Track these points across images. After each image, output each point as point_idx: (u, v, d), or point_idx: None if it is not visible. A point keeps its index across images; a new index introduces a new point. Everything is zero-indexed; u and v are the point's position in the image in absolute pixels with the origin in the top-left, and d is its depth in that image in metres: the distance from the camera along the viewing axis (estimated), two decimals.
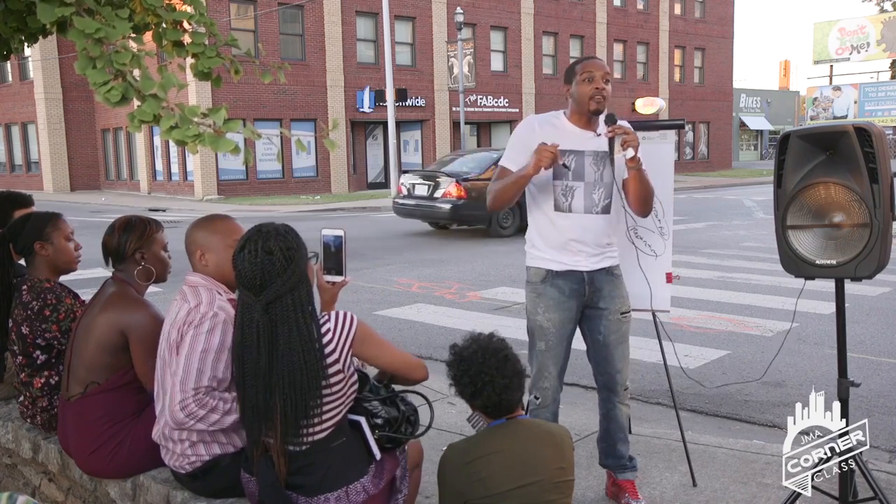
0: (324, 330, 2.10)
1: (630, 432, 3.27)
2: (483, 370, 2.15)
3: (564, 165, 2.77)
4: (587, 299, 2.89)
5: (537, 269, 2.92)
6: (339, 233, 2.37)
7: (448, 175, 13.21)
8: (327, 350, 2.08)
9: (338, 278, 2.38)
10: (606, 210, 2.86)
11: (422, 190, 13.27)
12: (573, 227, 2.84)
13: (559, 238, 2.86)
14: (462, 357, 2.20)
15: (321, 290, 2.38)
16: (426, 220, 13.99)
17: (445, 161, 15.32)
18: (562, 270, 2.86)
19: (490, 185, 2.92)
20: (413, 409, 2.40)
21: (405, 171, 15.46)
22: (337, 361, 2.09)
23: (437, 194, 12.96)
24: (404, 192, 13.87)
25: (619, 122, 2.73)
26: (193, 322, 2.27)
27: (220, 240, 2.42)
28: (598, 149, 2.84)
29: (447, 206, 12.74)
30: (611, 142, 2.71)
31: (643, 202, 2.85)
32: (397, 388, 2.43)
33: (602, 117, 2.88)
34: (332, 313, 2.15)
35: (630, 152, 2.66)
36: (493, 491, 2.09)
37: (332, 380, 2.08)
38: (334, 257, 2.38)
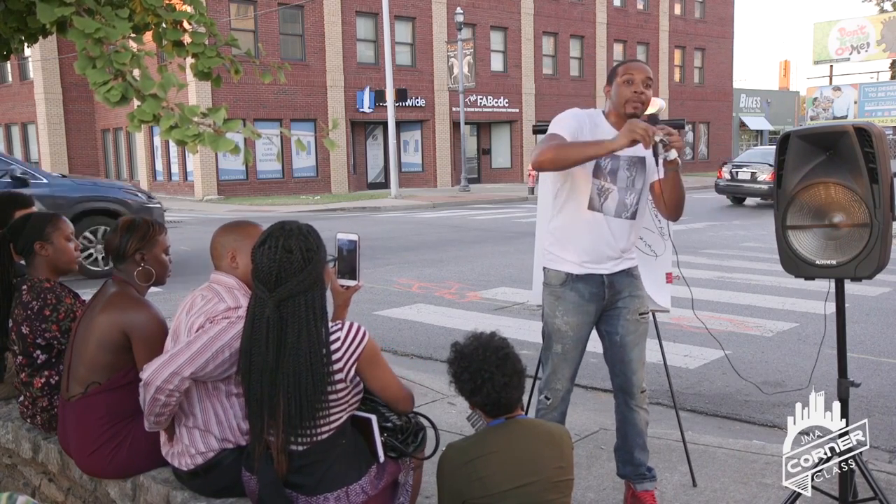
0: (333, 338, 2.09)
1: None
2: (483, 367, 2.15)
3: (662, 142, 2.54)
4: (607, 302, 2.86)
5: (556, 272, 2.85)
6: (354, 237, 2.38)
7: (762, 164, 19.10)
8: (333, 358, 2.08)
9: (351, 282, 2.39)
10: (634, 216, 2.83)
11: (745, 175, 19.28)
12: (603, 228, 2.78)
13: (588, 237, 2.79)
14: (463, 354, 2.20)
15: (335, 294, 2.40)
16: (747, 195, 19.86)
17: (743, 156, 21.34)
18: (582, 274, 2.81)
19: (546, 144, 2.66)
20: (422, 427, 2.40)
21: (725, 163, 20.73)
22: (340, 371, 2.09)
23: (760, 178, 18.90)
24: (727, 176, 19.75)
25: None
26: (231, 318, 2.28)
27: (251, 243, 2.44)
28: (633, 154, 2.77)
29: (766, 186, 18.58)
30: (655, 144, 2.63)
31: (676, 204, 2.78)
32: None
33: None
34: (346, 324, 2.14)
35: (673, 153, 2.59)
36: (491, 490, 2.09)
37: (336, 387, 2.08)
38: (348, 261, 2.39)
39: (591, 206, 2.78)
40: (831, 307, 2.71)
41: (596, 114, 2.84)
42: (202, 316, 2.32)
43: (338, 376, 2.08)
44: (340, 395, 2.10)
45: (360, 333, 2.13)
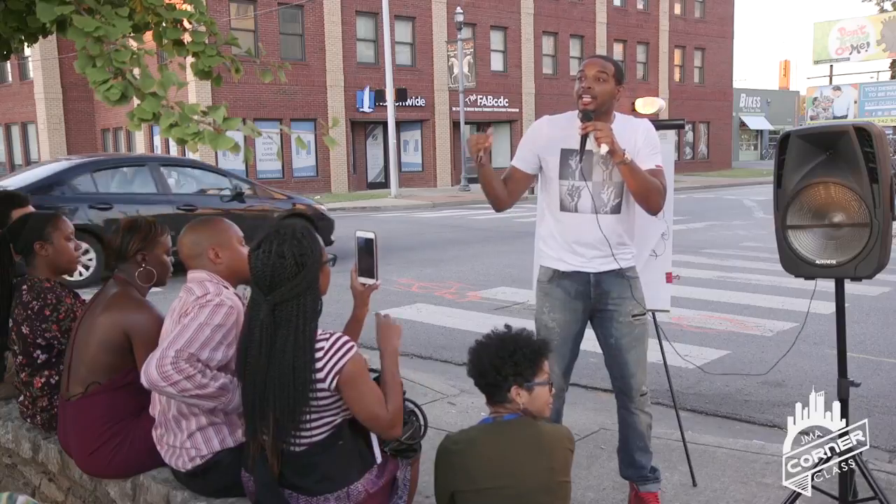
0: (317, 346, 2.07)
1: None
2: (517, 345, 2.15)
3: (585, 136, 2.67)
4: (595, 301, 2.86)
5: (545, 269, 2.91)
6: (370, 235, 2.35)
7: None
8: (316, 366, 2.06)
9: (370, 281, 2.37)
10: (616, 210, 2.81)
11: None
12: (579, 227, 2.80)
13: (565, 238, 2.84)
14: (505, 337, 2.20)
15: (354, 293, 2.40)
16: None
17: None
18: (568, 271, 2.84)
19: None
20: (419, 427, 2.39)
21: None
22: (322, 381, 2.06)
23: None
24: None
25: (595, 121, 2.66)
26: (201, 303, 2.31)
27: (231, 237, 2.48)
28: (597, 149, 2.77)
29: None
30: (583, 140, 2.69)
31: (642, 198, 2.74)
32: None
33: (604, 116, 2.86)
34: (334, 336, 2.11)
35: (604, 147, 2.59)
36: (479, 486, 2.10)
37: (318, 395, 2.07)
38: (366, 260, 2.36)
39: (563, 208, 2.83)
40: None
41: (570, 115, 2.88)
42: (183, 313, 2.35)
43: (320, 385, 2.06)
44: (322, 402, 2.09)
45: (344, 348, 2.08)
